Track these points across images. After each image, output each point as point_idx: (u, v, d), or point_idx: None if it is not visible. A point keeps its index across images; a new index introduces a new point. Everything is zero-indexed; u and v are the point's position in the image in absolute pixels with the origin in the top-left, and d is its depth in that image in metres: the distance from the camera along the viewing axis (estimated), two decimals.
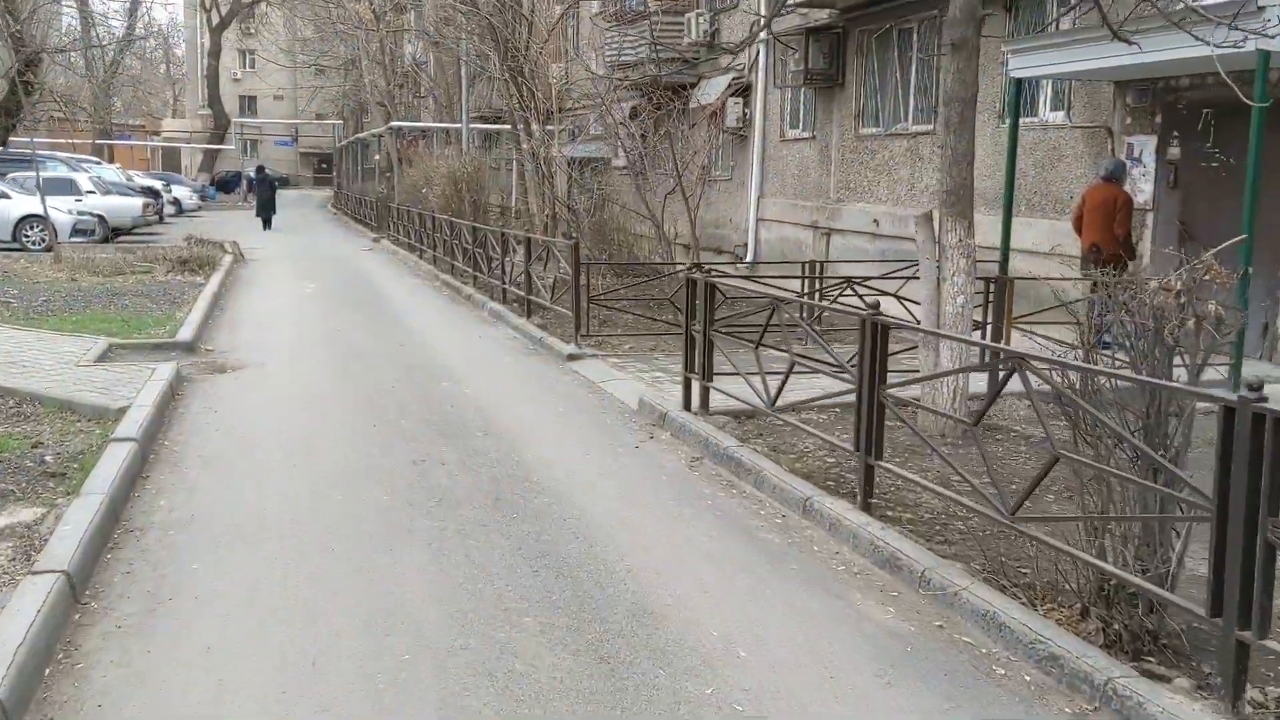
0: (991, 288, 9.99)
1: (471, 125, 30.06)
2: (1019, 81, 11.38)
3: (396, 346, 11.93)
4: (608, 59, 25.47)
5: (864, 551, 5.38)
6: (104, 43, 44.77)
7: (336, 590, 4.93)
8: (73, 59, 42.95)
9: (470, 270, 17.54)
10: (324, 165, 78.30)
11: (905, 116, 16.00)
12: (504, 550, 5.45)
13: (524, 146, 24.26)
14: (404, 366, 10.67)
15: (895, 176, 16.10)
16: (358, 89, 47.96)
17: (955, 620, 4.66)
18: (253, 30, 65.94)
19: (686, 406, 8.22)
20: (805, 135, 18.90)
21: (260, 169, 38.93)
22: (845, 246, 17.42)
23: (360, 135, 47.87)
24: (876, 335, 5.63)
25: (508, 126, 33.99)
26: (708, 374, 7.94)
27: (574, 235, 16.62)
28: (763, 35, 17.15)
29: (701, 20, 22.39)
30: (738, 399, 7.78)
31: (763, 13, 20.08)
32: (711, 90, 21.54)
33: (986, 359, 7.33)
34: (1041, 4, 13.31)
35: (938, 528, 5.71)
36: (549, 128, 22.82)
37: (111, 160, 49.33)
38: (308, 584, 5.01)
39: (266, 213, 33.87)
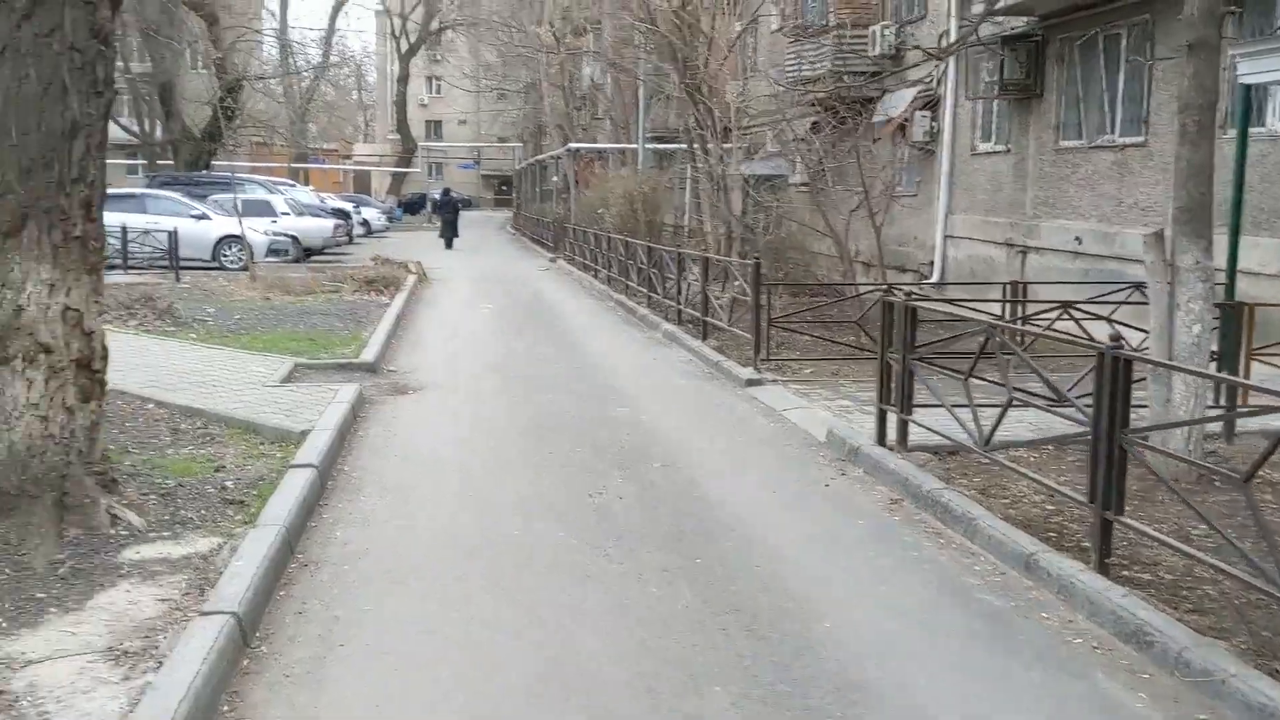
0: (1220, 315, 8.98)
1: (647, 145, 29.98)
2: (1247, 88, 10.30)
3: (571, 368, 11.71)
4: (787, 74, 24.96)
5: (1103, 622, 4.68)
6: (300, 70, 47.01)
7: (511, 641, 4.58)
8: (271, 85, 45.29)
9: (644, 290, 17.28)
10: (504, 187, 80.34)
11: (1111, 128, 14.88)
12: (689, 602, 5.00)
13: (700, 165, 23.98)
14: (579, 390, 10.40)
15: (1100, 191, 14.98)
16: (537, 112, 48.89)
17: (1223, 713, 3.93)
18: (439, 57, 68.40)
19: (880, 441, 7.60)
20: (999, 149, 17.88)
21: (446, 191, 40.22)
22: (1043, 266, 16.35)
23: (539, 157, 48.76)
24: (1118, 371, 4.93)
25: (682, 145, 33.90)
26: (906, 406, 7.31)
27: (752, 254, 16.16)
28: (954, 39, 16.34)
29: (888, 33, 21.61)
30: (939, 434, 7.13)
31: (953, 23, 19.29)
32: (896, 104, 20.74)
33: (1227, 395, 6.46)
34: (1271, 4, 12.11)
35: (1183, 592, 4.96)
36: (726, 145, 22.45)
37: (306, 183, 51.83)
38: (481, 631, 4.67)
39: (449, 233, 34.91)
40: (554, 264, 29.04)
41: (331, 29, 54.86)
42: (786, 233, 22.22)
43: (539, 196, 49.03)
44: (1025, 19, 16.49)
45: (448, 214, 35.53)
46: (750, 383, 10.46)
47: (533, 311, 17.58)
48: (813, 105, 22.51)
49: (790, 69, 24.54)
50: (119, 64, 43.01)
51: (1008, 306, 11.46)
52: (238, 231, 22.26)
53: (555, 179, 45.58)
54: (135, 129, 44.26)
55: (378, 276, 19.05)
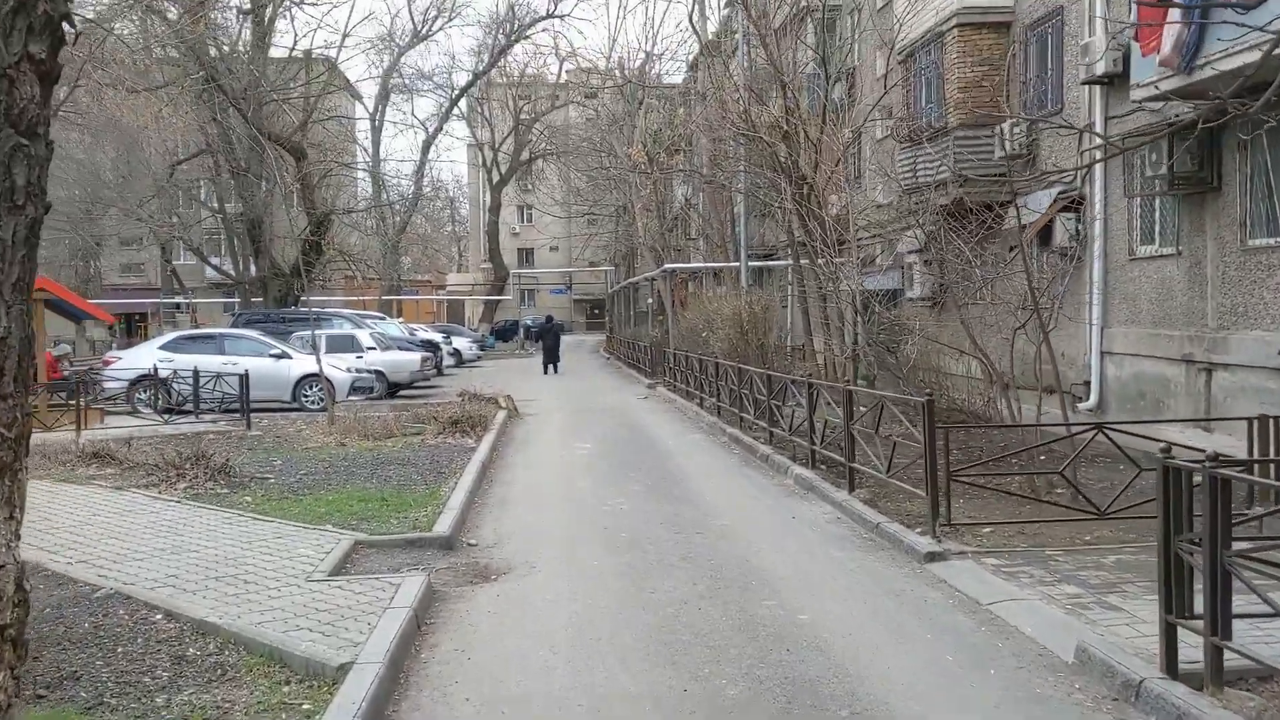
0: None
1: (748, 263, 28.17)
2: None
3: (692, 534, 9.48)
4: (900, 182, 23.13)
5: None
6: (390, 202, 46.72)
7: None
8: (362, 219, 44.96)
9: (764, 425, 15.06)
10: (595, 310, 79.80)
11: None
12: None
13: (812, 281, 21.99)
14: (707, 569, 8.15)
15: None
16: (629, 235, 47.86)
17: None
18: (530, 186, 68.46)
19: (1171, 669, 5.18)
20: (1166, 251, 15.46)
21: (549, 319, 41.71)
22: (1235, 385, 13.77)
23: (632, 280, 47.49)
24: None
25: (785, 261, 32.04)
26: (1220, 624, 4.90)
27: (900, 381, 13.93)
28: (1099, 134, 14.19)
29: (1017, 131, 19.58)
30: (1242, 652, 4.77)
31: (1097, 116, 17.15)
32: (1033, 206, 18.55)
33: None
34: None
35: None
36: (838, 260, 20.46)
37: (399, 314, 51.24)
38: None
39: (551, 359, 35.69)
40: (652, 391, 27.07)
41: (423, 161, 55.04)
42: (917, 352, 20.01)
43: (633, 319, 47.67)
44: (1193, 104, 14.29)
45: (549, 340, 36.17)
46: (931, 557, 8.07)
47: (636, 451, 15.46)
48: (932, 214, 20.61)
49: (904, 176, 22.69)
50: (212, 204, 43.35)
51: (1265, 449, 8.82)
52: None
53: (650, 301, 44.13)
54: (229, 268, 44.21)
55: (463, 416, 17.18)
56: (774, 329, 20.75)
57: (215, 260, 46.30)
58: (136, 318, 57.13)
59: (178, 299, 52.50)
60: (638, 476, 12.94)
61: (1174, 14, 12.71)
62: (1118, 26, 16.35)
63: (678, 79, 42.47)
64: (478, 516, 10.54)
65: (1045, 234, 18.09)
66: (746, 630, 6.54)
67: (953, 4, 20.57)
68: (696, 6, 32.03)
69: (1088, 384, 17.26)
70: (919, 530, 8.87)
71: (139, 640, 6.15)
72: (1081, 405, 17.12)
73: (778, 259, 33.64)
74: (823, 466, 12.26)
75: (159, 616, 6.56)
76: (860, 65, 27.53)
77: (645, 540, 9.23)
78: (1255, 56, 10.94)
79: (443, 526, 9.27)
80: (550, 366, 35.33)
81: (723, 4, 34.11)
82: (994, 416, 15.10)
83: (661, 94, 39.74)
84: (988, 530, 8.84)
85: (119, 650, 5.98)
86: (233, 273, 43.79)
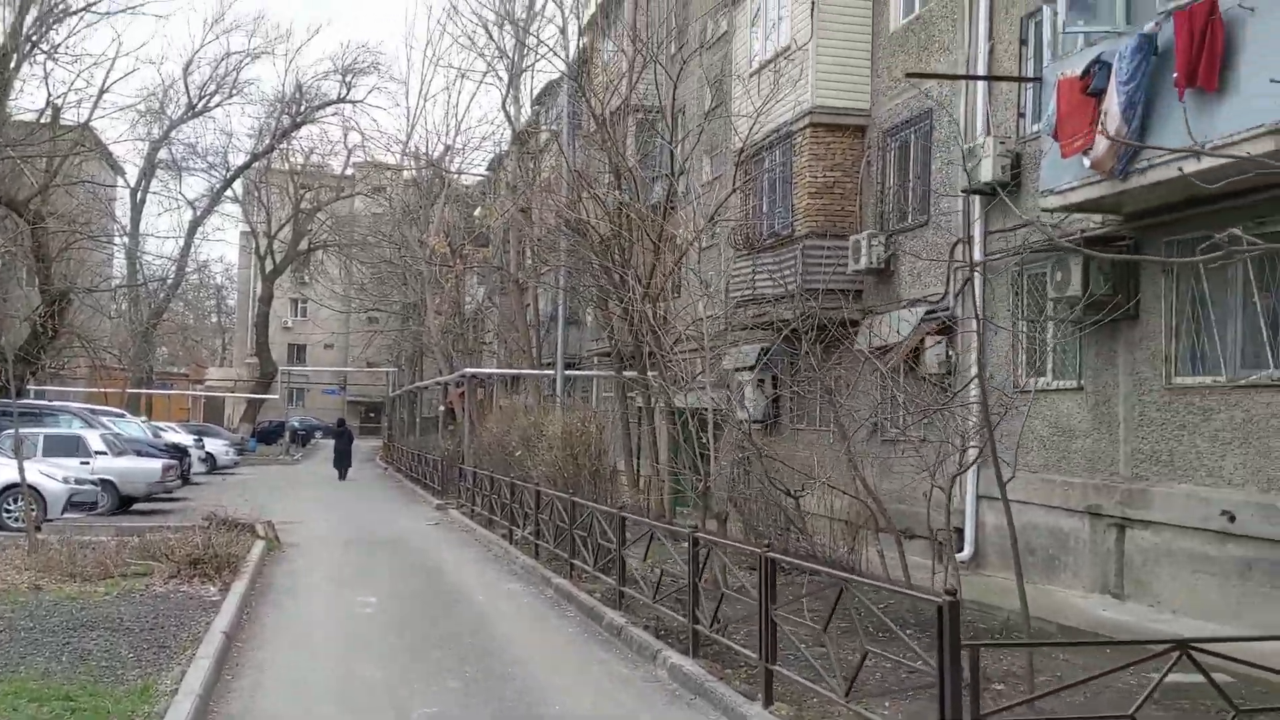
0: None
1: (564, 372, 25.13)
2: None
3: None
4: (734, 294, 20.86)
5: None
6: (142, 283, 41.33)
7: None
8: (107, 301, 39.29)
9: (610, 580, 11.81)
10: (372, 414, 74.78)
11: (1271, 360, 10.63)
12: None
13: (637, 396, 19.24)
14: None
15: (1263, 448, 10.57)
16: (416, 334, 44.10)
17: None
18: (307, 279, 63.43)
19: None
20: (1066, 385, 13.55)
21: (341, 421, 40.16)
22: (1161, 549, 11.75)
23: (421, 383, 43.46)
24: None
25: (597, 371, 29.23)
26: None
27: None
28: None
29: (875, 244, 17.59)
30: None
31: (976, 228, 15.32)
32: (888, 327, 16.48)
33: None
34: None
35: None
36: (664, 375, 17.67)
37: (148, 411, 45.08)
38: None
39: (343, 464, 34.51)
40: (444, 514, 23.40)
41: (189, 244, 49.71)
42: (760, 484, 17.36)
43: (417, 427, 43.58)
44: (1103, 218, 12.51)
45: (342, 444, 35.11)
46: None
47: (441, 609, 11.88)
48: (767, 330, 18.39)
49: (739, 287, 20.43)
50: None
51: None
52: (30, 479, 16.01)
53: (440, 407, 40.35)
54: None
55: (206, 554, 13.01)
56: (609, 452, 17.59)
57: None
58: None
59: None
60: (450, 661, 9.38)
61: (1114, 105, 10.78)
62: (1006, 130, 14.69)
63: (480, 171, 39.71)
64: None
65: (913, 359, 15.94)
66: None
67: (806, 101, 18.64)
68: (510, 92, 29.47)
69: (959, 531, 15.03)
70: None
71: None
72: (962, 559, 14.87)
73: (583, 368, 30.86)
74: (707, 649, 9.11)
75: None
76: (688, 170, 25.50)
77: None
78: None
79: None
80: (342, 472, 34.37)
81: (534, 98, 31.77)
82: (856, 567, 12.61)
83: (466, 186, 36.75)
84: None
85: None
86: None
